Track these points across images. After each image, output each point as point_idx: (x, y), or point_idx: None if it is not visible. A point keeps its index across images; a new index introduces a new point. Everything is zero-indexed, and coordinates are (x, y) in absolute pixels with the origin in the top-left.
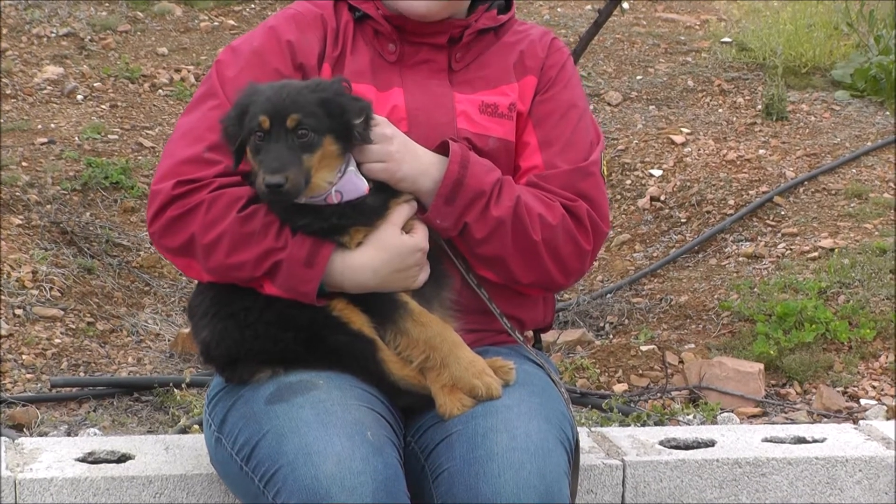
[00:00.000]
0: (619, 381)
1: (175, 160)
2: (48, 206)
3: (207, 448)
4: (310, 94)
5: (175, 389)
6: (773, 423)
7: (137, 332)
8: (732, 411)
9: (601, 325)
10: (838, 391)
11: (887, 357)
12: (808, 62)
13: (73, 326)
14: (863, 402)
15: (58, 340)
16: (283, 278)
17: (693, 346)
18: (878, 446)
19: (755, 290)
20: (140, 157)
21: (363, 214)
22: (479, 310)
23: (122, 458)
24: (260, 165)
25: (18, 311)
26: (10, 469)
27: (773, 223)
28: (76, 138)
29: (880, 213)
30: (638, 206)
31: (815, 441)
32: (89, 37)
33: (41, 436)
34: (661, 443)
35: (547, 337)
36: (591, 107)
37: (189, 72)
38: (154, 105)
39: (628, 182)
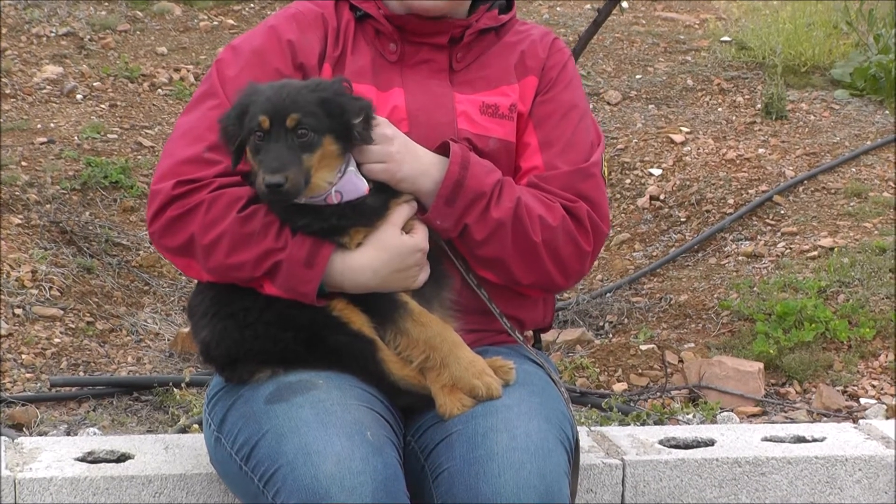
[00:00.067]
0: (618, 381)
1: (175, 160)
2: (48, 206)
3: (207, 448)
4: (310, 93)
5: (175, 389)
6: (773, 422)
7: (137, 331)
8: (732, 410)
9: (601, 324)
10: (838, 390)
11: (887, 356)
12: (808, 61)
13: (73, 326)
14: (862, 401)
15: (57, 340)
16: (282, 278)
17: (693, 345)
18: (877, 445)
19: (755, 289)
20: (139, 157)
21: (363, 215)
22: (479, 310)
23: (122, 458)
24: (260, 165)
25: (18, 311)
26: (10, 468)
27: (772, 222)
28: (76, 138)
29: (880, 212)
30: (637, 206)
31: (814, 440)
32: (89, 36)
33: (41, 435)
34: (660, 442)
35: (546, 336)
36: (591, 106)
37: (188, 71)
38: (153, 104)
39: (628, 181)
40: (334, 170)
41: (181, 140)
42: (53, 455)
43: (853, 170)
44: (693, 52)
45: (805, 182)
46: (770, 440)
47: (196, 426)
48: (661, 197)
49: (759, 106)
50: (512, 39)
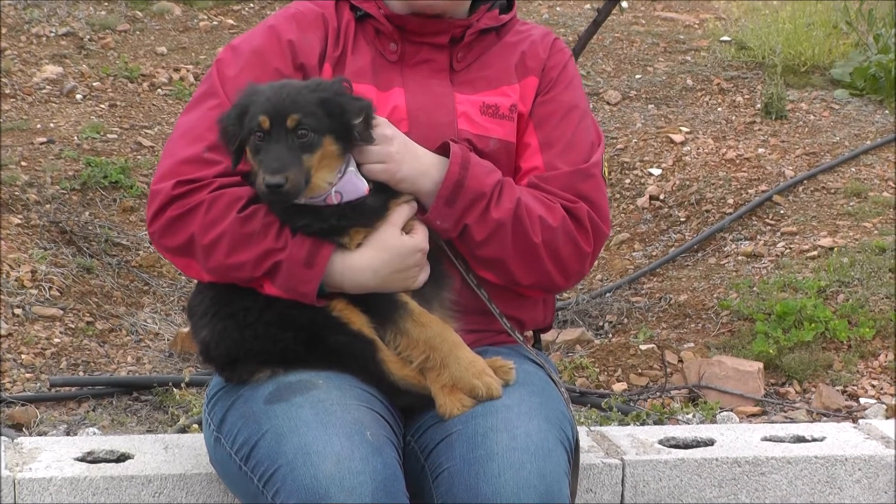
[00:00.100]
0: (618, 381)
1: (175, 160)
2: (47, 206)
3: (206, 447)
4: (310, 94)
5: (174, 389)
6: (773, 422)
7: (137, 331)
8: (732, 410)
9: (600, 324)
10: (837, 390)
11: (886, 356)
12: (808, 61)
13: (73, 326)
14: (862, 400)
15: (57, 340)
16: (282, 279)
17: (692, 345)
18: (877, 445)
19: (754, 289)
20: (139, 157)
21: (363, 215)
22: (479, 310)
23: (122, 458)
24: (260, 166)
25: (18, 311)
26: (10, 469)
27: (772, 222)
28: (75, 138)
29: (879, 212)
30: (637, 206)
31: (814, 440)
32: (88, 36)
33: (40, 435)
34: (660, 442)
35: (546, 336)
36: (591, 106)
37: (188, 71)
38: (153, 104)
39: (627, 181)
40: (334, 170)
41: (181, 140)
42: (53, 455)
43: (853, 169)
44: (693, 52)
45: (805, 182)
46: (770, 440)
47: (196, 426)
48: (661, 197)
49: (758, 106)
50: (512, 39)
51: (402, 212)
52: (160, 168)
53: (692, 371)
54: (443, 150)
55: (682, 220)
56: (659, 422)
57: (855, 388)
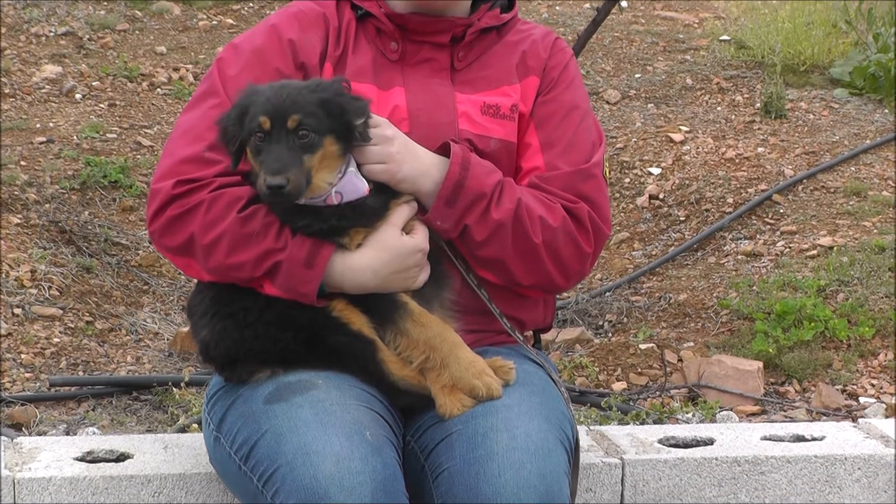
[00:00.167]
0: (618, 380)
1: (175, 159)
2: (47, 206)
3: (206, 447)
4: (310, 94)
5: (174, 388)
6: (772, 421)
7: (136, 331)
8: (731, 409)
9: (600, 323)
10: (837, 389)
11: (886, 355)
12: (807, 60)
13: (72, 325)
14: (862, 400)
15: (56, 339)
16: (282, 279)
17: (692, 344)
18: (877, 444)
19: (754, 288)
20: (139, 156)
21: (363, 215)
22: (479, 310)
23: (121, 458)
24: (261, 166)
25: (17, 311)
26: (9, 468)
27: (771, 221)
28: (75, 137)
29: (879, 211)
30: (637, 205)
31: (814, 439)
32: (88, 36)
33: (40, 435)
34: (660, 441)
35: (546, 335)
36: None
37: (188, 70)
38: (153, 104)
39: (627, 180)
40: (335, 170)
41: (181, 139)
42: (52, 455)
43: (852, 169)
44: (692, 52)
45: (804, 181)
46: (769, 439)
47: (195, 426)
48: (661, 196)
49: (758, 105)
50: (513, 39)
51: (402, 212)
52: (160, 167)
53: (692, 370)
54: (443, 151)
55: (681, 219)
56: (658, 421)
57: (854, 387)
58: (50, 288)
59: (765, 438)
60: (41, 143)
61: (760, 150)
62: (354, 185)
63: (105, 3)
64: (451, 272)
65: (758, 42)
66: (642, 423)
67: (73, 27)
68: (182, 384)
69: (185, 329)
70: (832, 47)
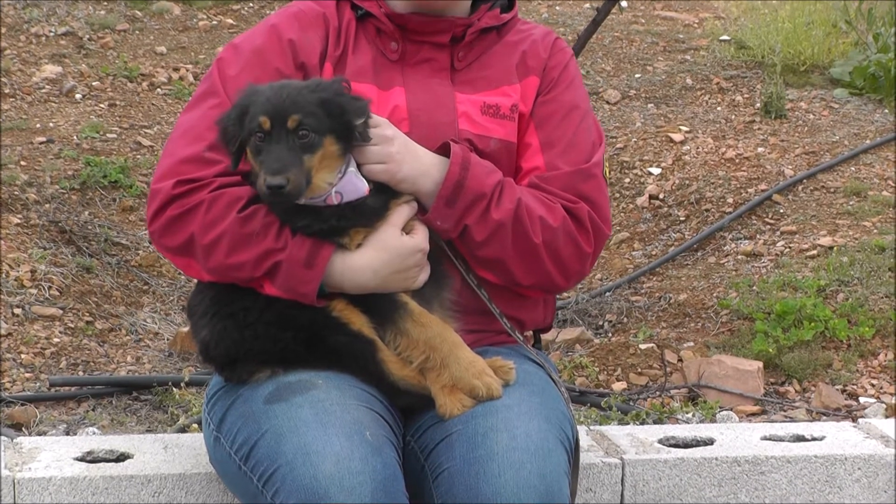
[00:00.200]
0: (618, 380)
1: (175, 159)
2: (47, 206)
3: (206, 447)
4: (310, 94)
5: (174, 388)
6: (772, 421)
7: (136, 331)
8: (731, 409)
9: (600, 323)
10: (837, 389)
11: (886, 355)
12: (807, 60)
13: (72, 325)
14: (862, 400)
15: (56, 339)
16: (282, 279)
17: (692, 344)
18: (876, 444)
19: (754, 288)
20: (139, 156)
21: (363, 215)
22: (479, 310)
23: (121, 458)
24: (261, 166)
25: (17, 311)
26: (9, 468)
27: (771, 221)
28: (75, 137)
29: (879, 211)
30: (637, 205)
31: (813, 439)
32: (88, 36)
33: (40, 435)
34: (660, 441)
35: (546, 335)
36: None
37: (188, 70)
38: (153, 104)
39: (627, 180)
40: (335, 170)
41: (181, 139)
42: (52, 455)
43: (852, 169)
44: (692, 52)
45: (804, 181)
46: (769, 439)
47: (195, 426)
48: (661, 196)
49: (758, 105)
50: (513, 39)
51: (402, 212)
52: (160, 167)
53: (692, 370)
54: (443, 151)
55: (681, 219)
56: (658, 421)
57: (854, 387)
58: (50, 288)
59: (765, 438)
60: (41, 143)
61: (760, 150)
62: (354, 186)
63: (105, 3)
64: (451, 272)
65: (758, 42)
66: (642, 423)
67: (73, 27)
68: (182, 384)
69: (185, 329)
70: (832, 47)
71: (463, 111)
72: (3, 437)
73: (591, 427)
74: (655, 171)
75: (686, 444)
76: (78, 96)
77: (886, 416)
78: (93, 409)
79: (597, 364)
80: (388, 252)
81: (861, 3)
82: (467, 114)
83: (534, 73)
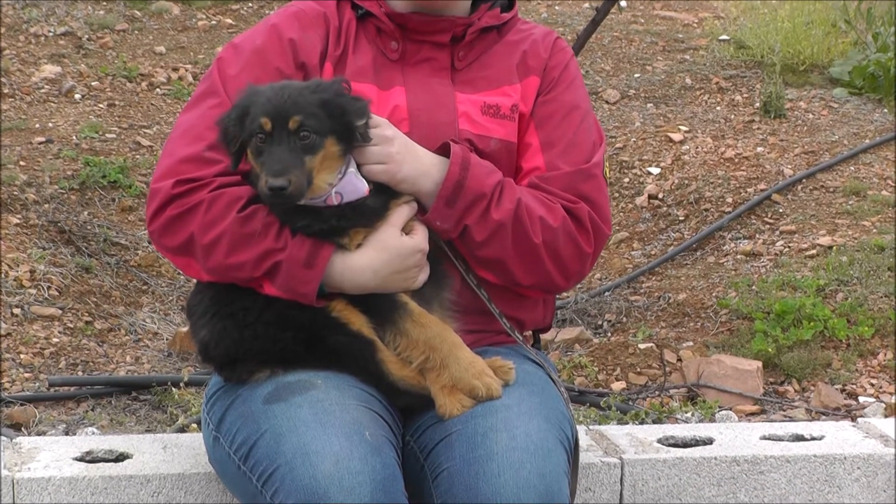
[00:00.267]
0: (617, 379)
1: (175, 159)
2: (46, 206)
3: (205, 447)
4: (311, 95)
5: (173, 388)
6: (772, 420)
7: (135, 330)
8: (731, 409)
9: (599, 323)
10: (836, 389)
11: (885, 354)
12: (806, 60)
13: (72, 325)
14: (861, 399)
15: (56, 339)
16: (282, 279)
17: (691, 343)
18: (876, 444)
19: (753, 287)
20: (138, 156)
21: (363, 216)
22: (479, 310)
23: (120, 458)
24: (262, 167)
25: (16, 311)
26: (8, 468)
27: (771, 221)
28: (74, 137)
29: (878, 211)
30: (636, 204)
31: (813, 439)
32: (87, 36)
33: (39, 435)
34: (659, 441)
35: (545, 335)
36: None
37: (187, 70)
38: (152, 104)
39: (626, 180)
40: (335, 171)
41: (181, 139)
42: (52, 455)
43: (852, 168)
44: (691, 51)
45: (804, 181)
46: (769, 439)
47: (194, 426)
48: (660, 196)
49: (757, 104)
50: (514, 38)
51: (402, 212)
52: (160, 167)
53: (691, 370)
54: (443, 151)
55: (680, 218)
56: (658, 421)
57: (854, 386)
58: (49, 288)
59: (764, 438)
60: (40, 143)
61: (760, 149)
62: (354, 186)
63: (104, 3)
64: (451, 272)
65: (757, 42)
66: (641, 423)
67: (72, 27)
68: (181, 384)
69: (185, 329)
70: (831, 47)
71: (463, 111)
72: (2, 437)
73: (591, 427)
74: (655, 170)
75: (685, 444)
76: (77, 96)
77: (886, 416)
78: (92, 409)
79: (596, 364)
80: (388, 252)
81: (860, 3)
82: (467, 114)
83: (534, 73)
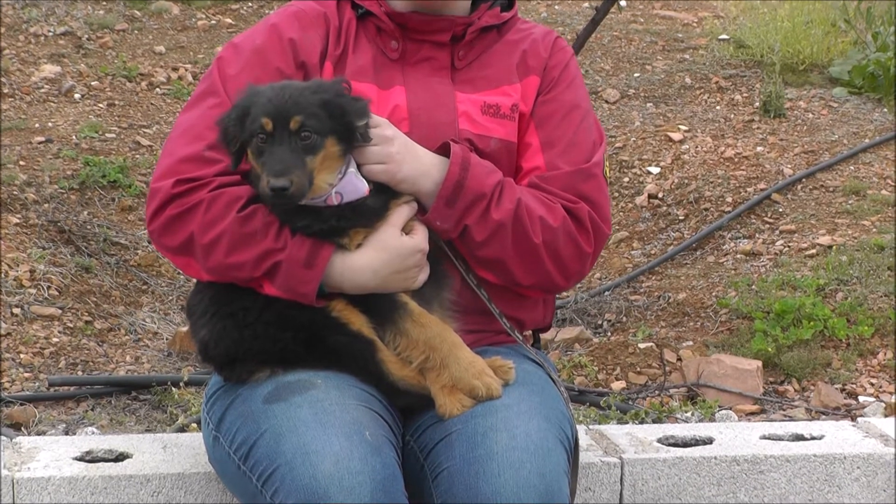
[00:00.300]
0: (617, 379)
1: (175, 158)
2: (46, 205)
3: (205, 447)
4: (311, 95)
5: (173, 388)
6: (772, 420)
7: (135, 330)
8: (730, 409)
9: (599, 322)
10: (836, 388)
11: (885, 354)
12: (806, 59)
13: (71, 325)
14: (861, 399)
15: (56, 339)
16: (282, 279)
17: (691, 343)
18: (876, 443)
19: (753, 287)
20: (138, 156)
21: (363, 216)
22: (479, 310)
23: (120, 457)
24: (263, 168)
25: (16, 310)
26: (8, 468)
27: (770, 220)
28: (74, 137)
29: (878, 210)
30: (636, 204)
31: (813, 438)
32: (87, 35)
33: (39, 435)
34: (659, 440)
35: (545, 335)
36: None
37: (187, 70)
38: (151, 104)
39: (626, 180)
40: (335, 171)
41: (181, 138)
42: (52, 454)
43: (851, 168)
44: (691, 51)
45: (803, 180)
46: (768, 438)
47: (194, 425)
48: (660, 195)
49: (757, 104)
50: (514, 38)
51: (402, 212)
52: (159, 166)
53: (691, 369)
54: (443, 151)
55: (680, 218)
56: (658, 420)
57: (854, 386)
58: (49, 288)
59: (764, 437)
60: (40, 142)
61: (759, 149)
62: (354, 186)
63: (104, 3)
64: (451, 272)
65: (757, 41)
66: (641, 423)
67: (71, 27)
68: (181, 384)
69: (185, 329)
70: (831, 46)
71: (463, 111)
72: (2, 437)
73: (591, 426)
74: (654, 170)
75: (685, 444)
76: (77, 96)
77: (886, 415)
78: (92, 409)
79: (596, 363)
80: (388, 252)
81: (860, 3)
82: (467, 113)
83: (534, 73)
